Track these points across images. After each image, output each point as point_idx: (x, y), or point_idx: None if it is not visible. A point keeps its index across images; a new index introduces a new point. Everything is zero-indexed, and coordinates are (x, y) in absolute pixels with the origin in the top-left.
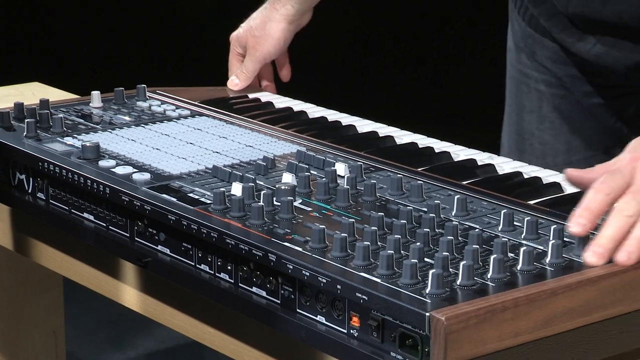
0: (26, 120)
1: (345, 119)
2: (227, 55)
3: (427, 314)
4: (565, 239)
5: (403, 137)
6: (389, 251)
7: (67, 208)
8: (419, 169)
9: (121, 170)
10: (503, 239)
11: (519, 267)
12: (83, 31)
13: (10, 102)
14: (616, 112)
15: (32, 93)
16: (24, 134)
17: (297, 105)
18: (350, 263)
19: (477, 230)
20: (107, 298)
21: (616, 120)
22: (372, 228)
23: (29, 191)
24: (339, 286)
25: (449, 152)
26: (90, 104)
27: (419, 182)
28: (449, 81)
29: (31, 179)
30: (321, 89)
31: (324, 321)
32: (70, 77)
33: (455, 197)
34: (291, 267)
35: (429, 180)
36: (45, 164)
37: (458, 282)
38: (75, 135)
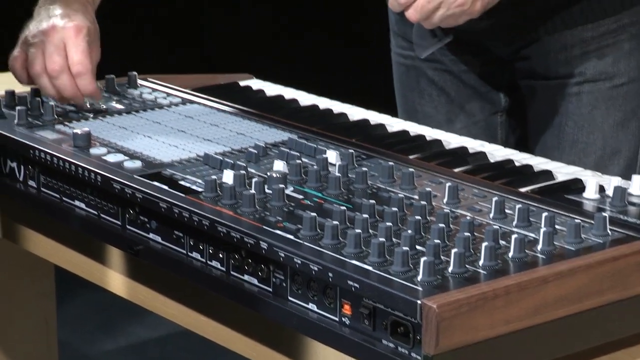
0: (17, 108)
1: (337, 106)
2: (231, 62)
3: (419, 301)
4: (556, 226)
5: (394, 125)
6: (380, 239)
7: (58, 196)
8: (411, 157)
9: (112, 158)
10: (494, 226)
11: (510, 255)
12: None
13: (1, 89)
14: (489, 81)
15: None
16: (15, 121)
17: (289, 92)
18: (341, 251)
19: (468, 217)
20: (98, 286)
21: (491, 89)
22: (364, 216)
23: (20, 179)
24: (330, 274)
25: (440, 140)
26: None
27: (410, 169)
28: None
29: (22, 166)
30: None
31: (315, 309)
32: None
33: (447, 185)
34: (283, 255)
35: (420, 168)
36: (37, 151)
37: (449, 270)
38: (66, 123)
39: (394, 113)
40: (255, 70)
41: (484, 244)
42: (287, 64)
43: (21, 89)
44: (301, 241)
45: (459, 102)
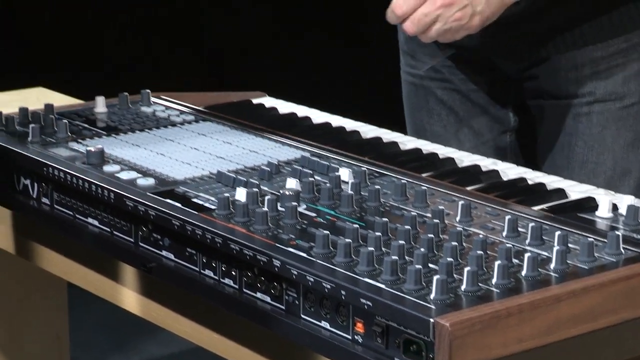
0: (31, 126)
1: (349, 124)
2: (231, 62)
3: (432, 319)
4: (569, 245)
5: (407, 142)
6: (393, 257)
7: (71, 213)
8: (423, 175)
9: (125, 175)
10: (507, 244)
11: (523, 273)
12: (87, 36)
13: (15, 107)
14: (498, 100)
15: (36, 98)
16: (29, 139)
17: (302, 110)
18: (354, 269)
19: (481, 236)
20: (111, 302)
21: (500, 108)
22: (377, 234)
23: (34, 196)
24: (343, 292)
25: (453, 158)
26: (95, 109)
27: (423, 187)
28: None
29: (36, 184)
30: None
31: (328, 327)
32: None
33: (459, 203)
34: (295, 272)
35: (433, 186)
36: (50, 169)
37: (462, 288)
38: (79, 141)
39: (396, 116)
40: (255, 69)
41: (497, 262)
42: (288, 64)
43: (34, 106)
44: (314, 259)
45: (467, 122)
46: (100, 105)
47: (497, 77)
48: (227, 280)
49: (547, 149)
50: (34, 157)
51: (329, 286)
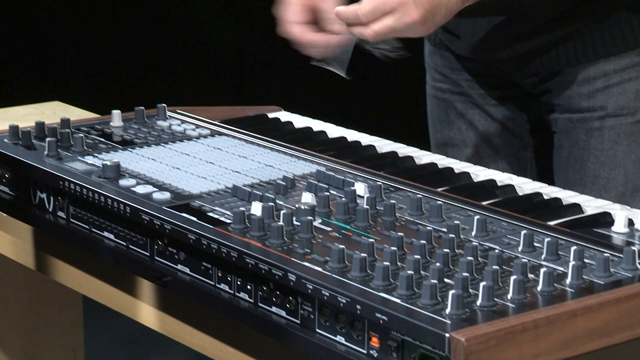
0: (47, 140)
1: (365, 138)
2: (247, 75)
3: (447, 334)
4: (585, 260)
5: (423, 157)
6: (408, 271)
7: (87, 227)
8: (439, 189)
9: (141, 189)
10: (523, 259)
11: (539, 288)
12: (104, 50)
13: (32, 121)
14: (517, 115)
15: (53, 112)
16: (45, 153)
17: (317, 124)
18: (369, 283)
19: (496, 250)
20: (126, 316)
21: (519, 124)
22: (392, 248)
23: (50, 210)
24: (358, 306)
25: (468, 173)
26: (111, 123)
27: (438, 202)
28: None
29: (52, 197)
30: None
31: (343, 341)
32: (91, 96)
33: (475, 218)
34: (311, 287)
35: (449, 201)
36: (66, 182)
37: (478, 303)
38: (95, 155)
39: (412, 130)
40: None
41: (513, 277)
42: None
43: (51, 120)
44: (329, 273)
45: (487, 137)
46: (117, 119)
47: (515, 93)
48: (242, 295)
49: (561, 164)
50: (50, 170)
51: (344, 300)
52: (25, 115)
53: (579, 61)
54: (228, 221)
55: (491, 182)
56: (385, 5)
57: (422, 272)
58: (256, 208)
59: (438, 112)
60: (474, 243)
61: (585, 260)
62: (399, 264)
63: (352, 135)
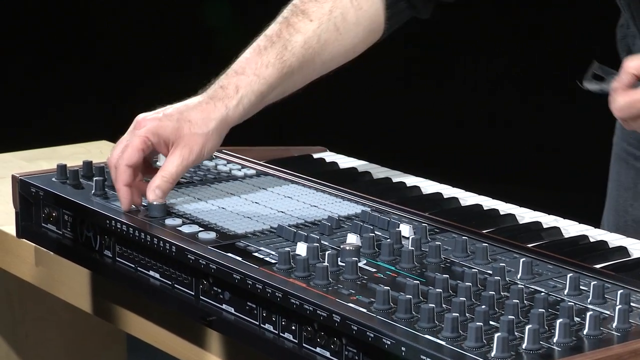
0: (94, 179)
1: (410, 179)
2: (295, 114)
3: None
4: (631, 304)
5: (468, 198)
6: (454, 314)
7: (133, 266)
8: (484, 231)
9: (187, 229)
10: (569, 303)
11: (585, 332)
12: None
13: (79, 160)
14: None
15: (100, 151)
16: (92, 191)
17: (362, 165)
18: (414, 325)
19: (542, 293)
20: (169, 355)
21: None
22: (437, 290)
23: (96, 248)
24: (403, 348)
25: (514, 215)
26: (157, 163)
27: (484, 244)
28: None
29: (98, 236)
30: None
31: None
32: None
33: (521, 260)
34: (356, 328)
35: (494, 243)
36: (112, 221)
37: (524, 346)
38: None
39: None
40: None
41: (559, 321)
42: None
43: (98, 159)
44: (374, 315)
45: None
46: (163, 159)
47: None
48: (286, 335)
49: None
50: (96, 209)
51: (389, 342)
52: (73, 155)
53: None
54: (273, 261)
55: (537, 224)
56: None
57: (467, 314)
58: (301, 248)
59: (625, 179)
60: (519, 285)
61: (632, 304)
62: (444, 306)
63: (396, 176)
